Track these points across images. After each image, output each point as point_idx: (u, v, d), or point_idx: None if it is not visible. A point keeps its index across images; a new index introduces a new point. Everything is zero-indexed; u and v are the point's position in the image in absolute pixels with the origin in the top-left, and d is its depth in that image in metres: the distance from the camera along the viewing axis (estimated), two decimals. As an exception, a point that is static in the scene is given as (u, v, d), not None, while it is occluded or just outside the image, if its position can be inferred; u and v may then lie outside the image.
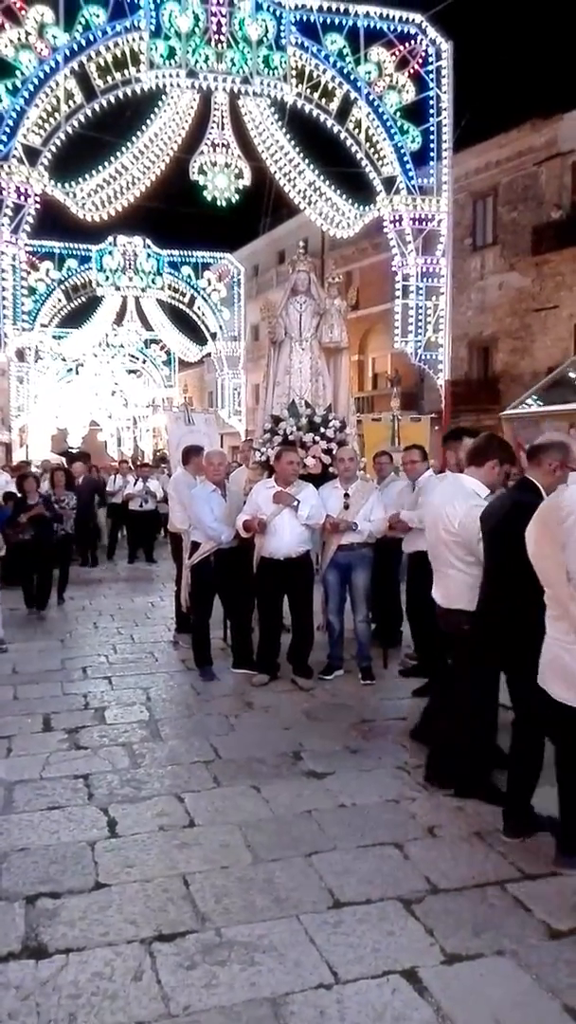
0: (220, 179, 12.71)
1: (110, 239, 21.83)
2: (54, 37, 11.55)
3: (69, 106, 11.89)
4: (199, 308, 23.91)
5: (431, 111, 13.34)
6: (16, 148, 11.83)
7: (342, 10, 12.56)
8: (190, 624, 6.98)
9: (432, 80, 13.26)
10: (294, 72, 12.45)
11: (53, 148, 12.03)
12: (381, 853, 3.60)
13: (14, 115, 11.65)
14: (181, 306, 24.11)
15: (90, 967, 2.84)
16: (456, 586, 4.12)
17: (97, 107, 12.02)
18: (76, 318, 24.88)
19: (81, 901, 3.24)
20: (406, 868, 3.48)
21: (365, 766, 4.56)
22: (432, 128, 13.32)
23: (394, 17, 12.91)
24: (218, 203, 12.85)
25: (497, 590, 3.74)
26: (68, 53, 11.62)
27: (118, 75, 11.95)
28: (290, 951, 2.90)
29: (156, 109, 12.98)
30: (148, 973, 2.80)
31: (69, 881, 3.39)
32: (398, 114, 13.06)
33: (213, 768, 4.59)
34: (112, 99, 12.05)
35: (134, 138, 13.25)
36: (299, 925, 3.06)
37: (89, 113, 12.02)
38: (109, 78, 11.97)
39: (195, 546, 6.67)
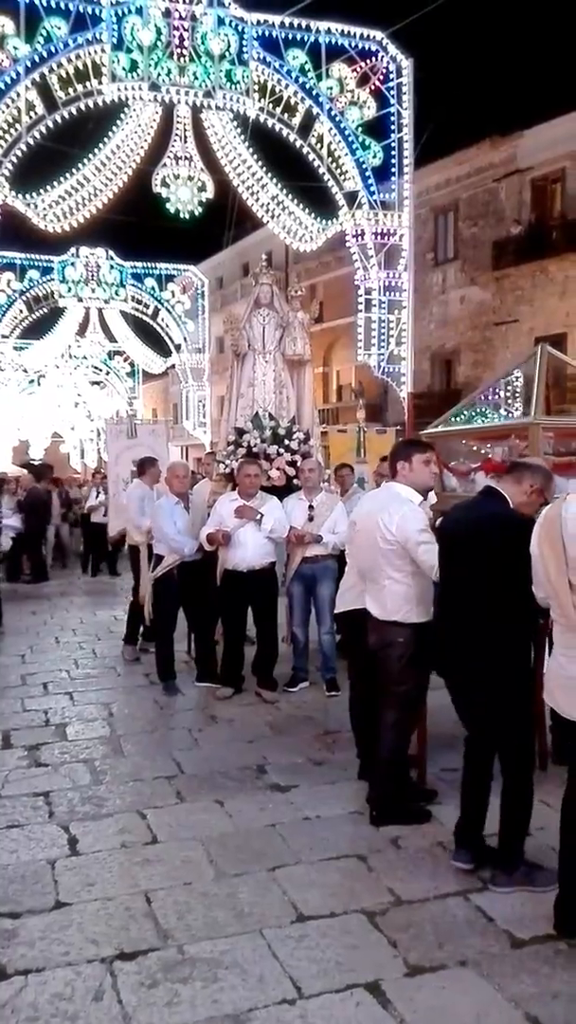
0: (183, 192, 12.71)
1: (72, 250, 21.68)
2: (15, 48, 11.48)
3: (30, 117, 11.81)
4: (163, 320, 23.83)
5: (392, 127, 13.49)
6: (-24, 159, 11.74)
7: (304, 26, 12.67)
8: (150, 632, 7.04)
9: (393, 96, 13.42)
10: (256, 87, 12.52)
11: (14, 159, 11.94)
12: (345, 866, 3.60)
13: (-26, 126, 11.57)
14: (145, 318, 24.01)
15: (50, 988, 2.79)
16: (393, 598, 4.02)
17: (59, 118, 11.96)
18: (38, 329, 24.65)
19: (41, 921, 3.19)
20: (370, 880, 3.48)
21: (329, 778, 4.55)
22: (393, 144, 13.46)
23: (355, 34, 13.05)
24: (181, 215, 12.84)
25: (458, 601, 3.61)
26: (29, 64, 11.55)
27: (80, 87, 11.91)
28: (253, 967, 2.88)
29: (118, 121, 12.95)
30: (109, 992, 2.76)
31: (29, 901, 3.33)
32: (359, 129, 13.18)
33: (176, 783, 4.56)
34: (74, 111, 12.00)
35: (96, 150, 13.19)
36: (262, 940, 3.04)
37: (51, 124, 11.95)
38: (71, 90, 11.92)
39: (158, 559, 6.64)
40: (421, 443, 4.36)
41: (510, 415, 5.32)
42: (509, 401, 4.82)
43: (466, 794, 3.64)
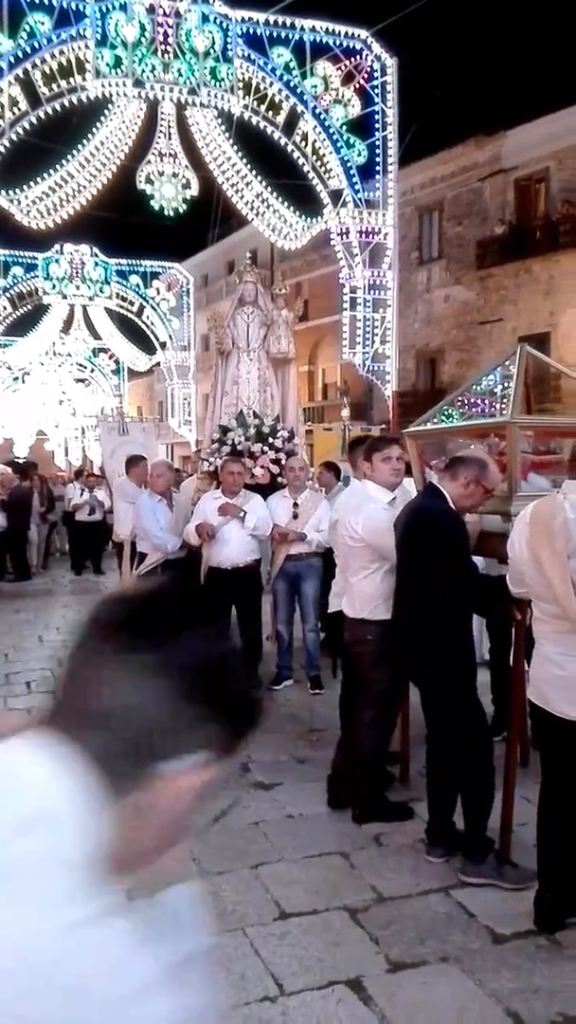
0: (167, 189, 12.67)
1: (57, 247, 21.57)
2: (-2, 43, 11.42)
3: (13, 113, 11.73)
4: (148, 318, 23.76)
5: (377, 126, 13.49)
6: (-41, 154, 11.67)
7: (288, 24, 12.64)
8: None
9: (377, 95, 13.41)
10: (241, 84, 12.48)
11: (-3, 155, 11.88)
12: (327, 863, 3.61)
13: (-43, 121, 11.48)
14: (130, 315, 23.93)
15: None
16: (361, 595, 4.06)
17: (42, 114, 11.89)
18: (22, 326, 24.52)
19: (22, 921, 3.18)
20: (352, 877, 3.49)
21: (312, 776, 4.56)
22: (378, 142, 13.46)
23: (340, 32, 13.03)
24: (166, 213, 12.80)
25: (408, 598, 3.66)
26: (12, 60, 11.47)
27: (63, 83, 11.83)
28: (235, 964, 2.88)
29: (102, 118, 12.89)
30: (90, 992, 2.75)
31: (10, 901, 3.32)
32: (344, 128, 13.17)
33: (159, 781, 4.54)
34: (57, 107, 11.93)
35: (80, 146, 13.12)
36: (244, 938, 3.04)
37: (34, 120, 11.88)
38: (54, 86, 11.84)
39: (142, 557, 6.62)
40: (382, 440, 4.36)
41: (494, 415, 5.34)
42: (487, 400, 4.84)
43: (432, 791, 3.67)
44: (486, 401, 4.58)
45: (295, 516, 6.37)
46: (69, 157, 13.09)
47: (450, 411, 4.75)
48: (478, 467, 3.52)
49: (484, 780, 3.46)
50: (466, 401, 4.71)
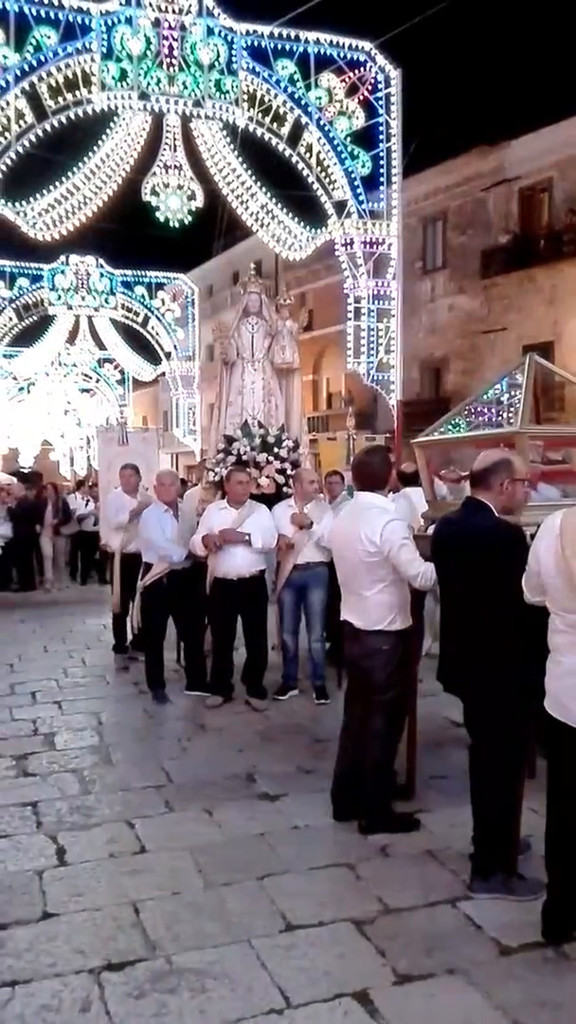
0: (173, 200, 12.74)
1: (62, 258, 21.69)
2: (4, 57, 11.49)
3: (20, 126, 11.81)
4: (153, 328, 23.83)
5: (381, 137, 13.56)
6: (-35, 167, 11.75)
7: (293, 36, 12.73)
8: (139, 641, 7.09)
9: (381, 106, 13.49)
10: (245, 96, 12.57)
11: (3, 167, 11.93)
12: (333, 874, 3.60)
13: (-36, 134, 11.57)
14: (135, 326, 24.01)
15: (37, 999, 2.77)
16: (377, 608, 4.01)
17: (48, 127, 11.98)
18: (28, 337, 24.61)
19: (28, 932, 3.18)
20: (358, 889, 3.48)
21: (318, 787, 4.54)
22: (382, 153, 13.53)
23: (344, 44, 13.12)
24: (171, 224, 12.87)
25: (457, 614, 3.60)
26: (19, 73, 11.56)
27: (69, 96, 11.93)
28: (241, 977, 2.87)
29: (108, 130, 12.98)
30: (96, 1004, 2.75)
31: (16, 912, 3.32)
32: (348, 139, 13.24)
33: (165, 793, 4.54)
34: (63, 119, 12.02)
35: (86, 159, 13.22)
36: (251, 950, 3.03)
37: (40, 133, 11.96)
38: (60, 99, 11.94)
39: (147, 567, 6.63)
40: (383, 449, 4.35)
41: (501, 424, 5.33)
42: (494, 408, 4.84)
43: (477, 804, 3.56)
44: (493, 410, 4.57)
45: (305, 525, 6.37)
46: (75, 169, 13.19)
47: (458, 420, 4.75)
48: (505, 467, 3.48)
49: (508, 794, 3.43)
50: (473, 410, 4.71)
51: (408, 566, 3.89)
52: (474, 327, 22.39)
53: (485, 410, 4.81)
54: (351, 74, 13.21)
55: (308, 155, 13.13)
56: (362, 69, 13.30)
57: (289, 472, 7.04)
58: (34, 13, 11.50)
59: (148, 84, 12.06)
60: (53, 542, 13.14)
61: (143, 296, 23.30)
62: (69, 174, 13.17)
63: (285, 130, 12.98)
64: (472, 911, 3.28)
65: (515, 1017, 2.67)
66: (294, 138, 13.05)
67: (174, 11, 12.03)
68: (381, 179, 13.66)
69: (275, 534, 6.26)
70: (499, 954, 3.01)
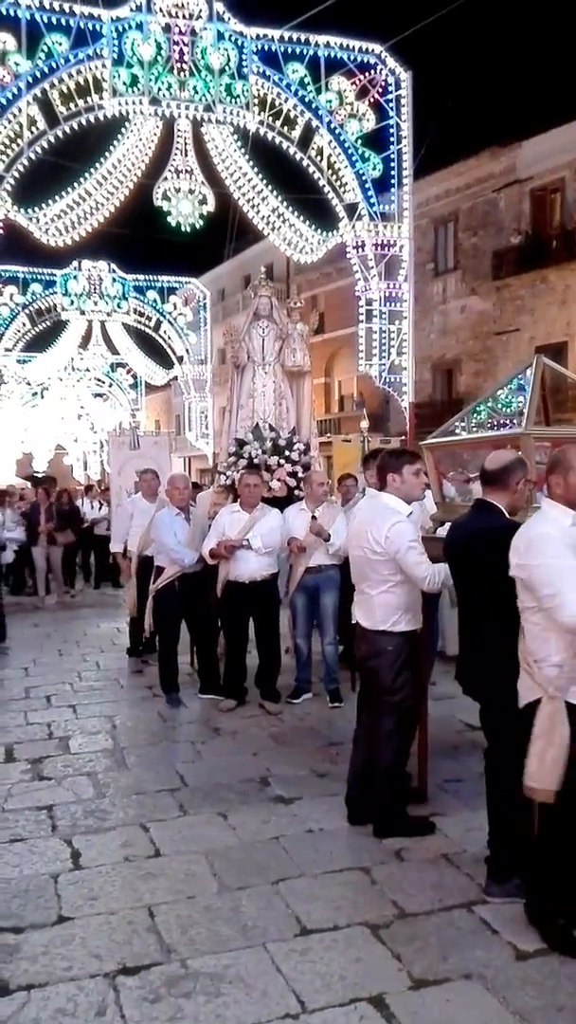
0: (184, 205, 12.77)
1: (75, 264, 21.80)
2: (16, 64, 11.56)
3: (32, 132, 11.88)
4: (165, 332, 23.91)
5: (391, 139, 13.55)
6: (-22, 174, 11.82)
7: (303, 40, 12.75)
8: (152, 644, 7.13)
9: (392, 109, 13.48)
10: (256, 100, 12.59)
11: (16, 174, 12.00)
12: (348, 878, 3.59)
13: (-24, 141, 11.65)
14: (147, 330, 24.09)
15: (52, 1003, 2.78)
16: (382, 607, 4.02)
17: (60, 133, 12.04)
18: (41, 342, 24.74)
19: (44, 936, 3.18)
20: (373, 893, 3.47)
21: (332, 790, 4.53)
22: (393, 155, 13.52)
23: (354, 47, 13.12)
24: (182, 229, 12.90)
25: (478, 620, 3.58)
26: (31, 80, 11.63)
27: (81, 102, 11.99)
28: (256, 981, 2.87)
29: (119, 136, 13.03)
30: (112, 1008, 2.75)
31: (31, 915, 3.32)
32: (359, 142, 13.23)
33: (179, 796, 4.55)
34: (75, 125, 12.08)
35: (97, 164, 13.27)
36: (266, 954, 3.02)
37: (52, 139, 12.03)
38: (72, 105, 12.00)
39: (159, 570, 6.64)
40: (410, 453, 4.32)
41: (506, 424, 5.31)
42: (504, 410, 4.83)
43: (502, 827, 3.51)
44: (502, 413, 4.56)
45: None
46: (87, 175, 13.24)
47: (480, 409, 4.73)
48: (520, 466, 3.52)
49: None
50: (496, 416, 4.69)
51: (415, 568, 3.89)
52: (486, 328, 22.34)
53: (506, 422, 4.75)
54: (361, 77, 13.21)
55: (319, 158, 13.13)
56: (372, 72, 13.30)
57: (300, 475, 7.04)
58: (45, 20, 11.57)
59: (159, 89, 12.10)
60: (47, 552, 11.80)
61: (155, 300, 23.38)
62: (81, 180, 13.22)
63: (296, 133, 12.99)
64: (488, 915, 3.26)
65: (532, 1022, 2.65)
66: (305, 141, 13.06)
67: (184, 16, 12.07)
68: (392, 181, 13.65)
69: (277, 535, 6.24)
70: (516, 958, 2.99)
